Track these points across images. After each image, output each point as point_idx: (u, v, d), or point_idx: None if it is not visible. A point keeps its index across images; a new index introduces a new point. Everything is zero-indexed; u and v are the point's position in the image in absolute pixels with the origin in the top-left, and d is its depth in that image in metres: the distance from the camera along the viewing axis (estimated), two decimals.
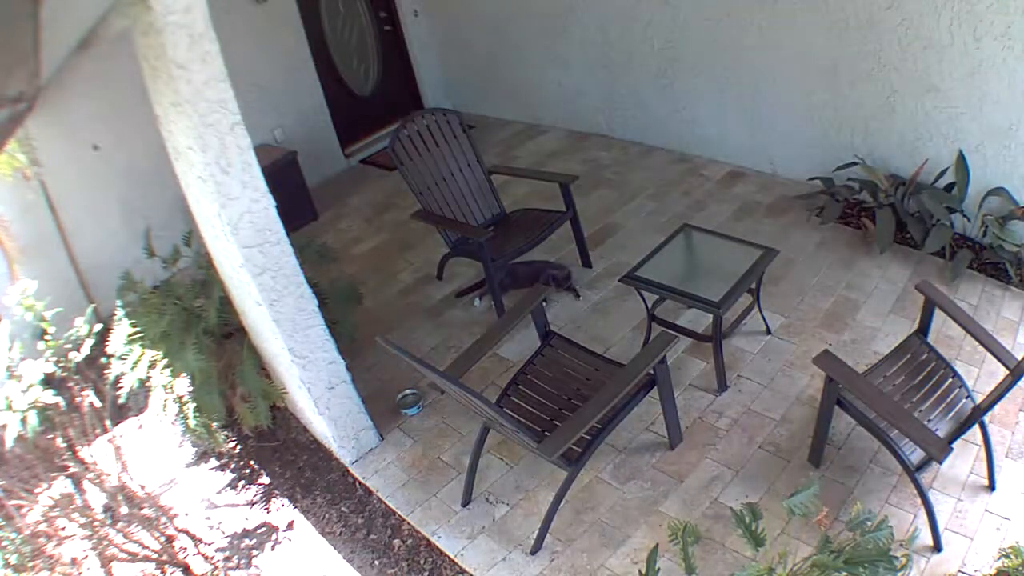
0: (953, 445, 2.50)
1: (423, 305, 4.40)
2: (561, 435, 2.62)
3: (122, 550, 2.90)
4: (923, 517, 2.64)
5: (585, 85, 5.79)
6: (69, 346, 3.06)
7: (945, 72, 3.86)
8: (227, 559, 3.18)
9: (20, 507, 2.79)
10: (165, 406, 3.32)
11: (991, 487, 2.82)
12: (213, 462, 3.69)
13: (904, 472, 2.62)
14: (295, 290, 3.02)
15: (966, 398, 2.76)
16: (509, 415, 2.84)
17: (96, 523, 2.84)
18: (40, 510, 2.80)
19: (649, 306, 3.61)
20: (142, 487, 3.26)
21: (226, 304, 3.37)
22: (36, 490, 2.91)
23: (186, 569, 3.05)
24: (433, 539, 3.03)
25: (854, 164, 4.34)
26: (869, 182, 4.27)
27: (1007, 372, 2.52)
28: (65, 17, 2.70)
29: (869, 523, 1.97)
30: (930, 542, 2.64)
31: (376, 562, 3.04)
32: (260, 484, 3.54)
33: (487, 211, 4.36)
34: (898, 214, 4.10)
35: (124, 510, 2.98)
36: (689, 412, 3.35)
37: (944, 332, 3.42)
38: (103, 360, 3.39)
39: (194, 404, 3.26)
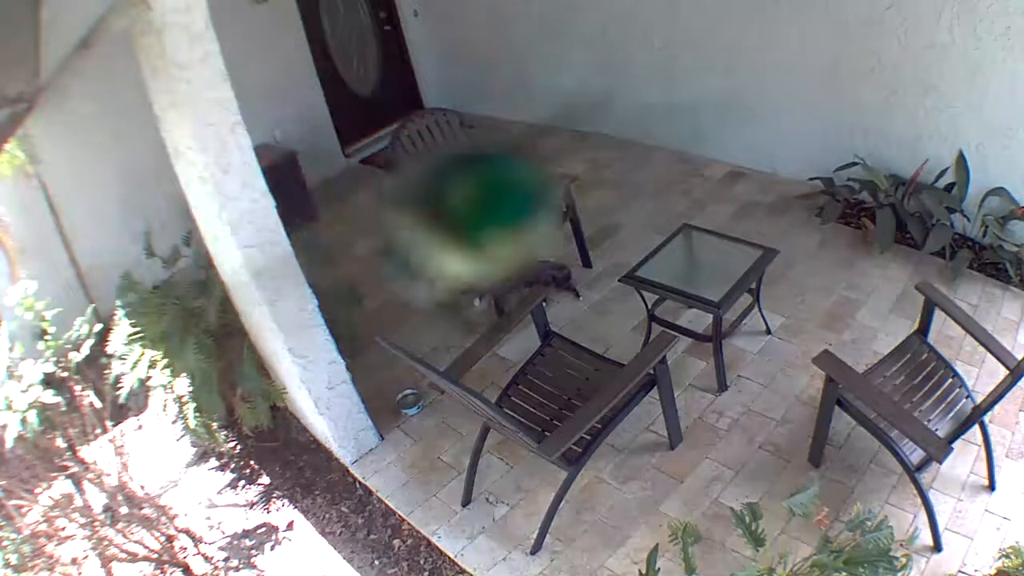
0: (953, 445, 2.50)
1: (423, 305, 4.40)
2: (561, 435, 2.62)
3: (122, 550, 2.91)
4: (923, 517, 2.64)
5: (585, 85, 5.79)
6: (69, 346, 3.06)
7: (945, 72, 3.86)
8: (227, 559, 3.18)
9: (20, 507, 2.79)
10: (165, 406, 3.32)
11: (991, 487, 2.82)
12: (213, 462, 3.69)
13: (904, 472, 2.62)
14: (295, 290, 3.02)
15: (966, 398, 2.76)
16: (509, 415, 2.84)
17: (96, 523, 2.84)
18: (40, 510, 2.80)
19: (649, 306, 3.61)
20: (142, 487, 3.26)
21: (226, 304, 3.37)
22: (36, 490, 2.91)
23: (186, 569, 3.05)
24: (433, 539, 3.03)
25: (854, 164, 4.33)
26: (869, 182, 4.27)
27: (1007, 372, 2.52)
28: (65, 17, 2.70)
29: (869, 523, 1.97)
30: (930, 542, 2.64)
31: (376, 562, 3.04)
32: (260, 484, 3.54)
33: None
34: (898, 214, 4.10)
35: (124, 510, 2.98)
36: (689, 412, 3.35)
37: (944, 332, 3.41)
38: (103, 360, 3.39)
39: (194, 404, 3.26)
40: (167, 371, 3.28)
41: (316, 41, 5.83)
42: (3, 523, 2.69)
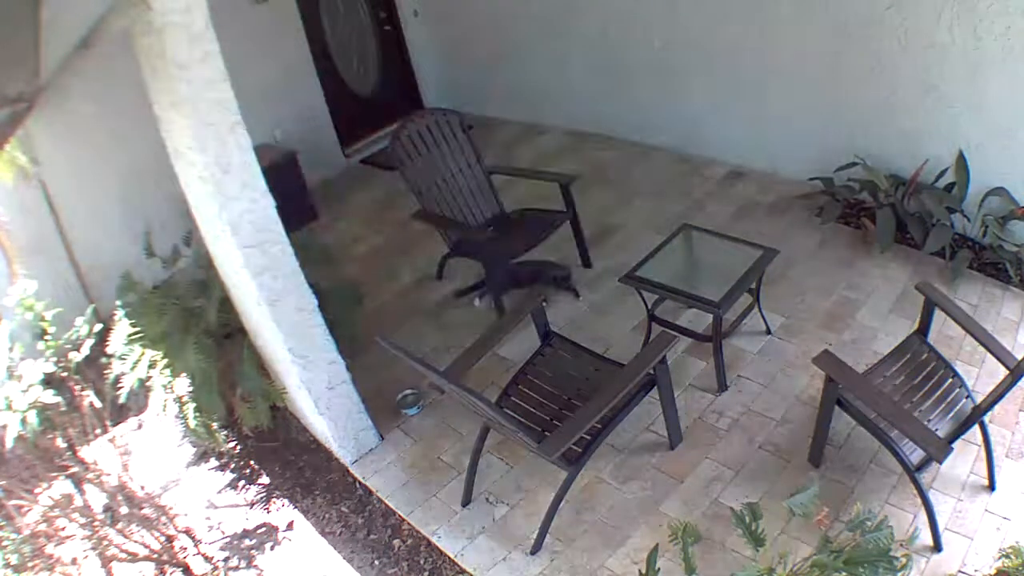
0: (953, 445, 2.50)
1: (423, 305, 4.40)
2: (561, 435, 2.62)
3: (122, 550, 2.90)
4: (923, 517, 2.64)
5: (585, 85, 5.79)
6: (69, 346, 3.06)
7: (945, 72, 3.86)
8: (227, 559, 3.18)
9: (20, 507, 2.79)
10: (165, 406, 3.32)
11: (991, 487, 2.82)
12: (213, 462, 3.69)
13: (904, 472, 2.62)
14: (295, 290, 3.02)
15: (966, 398, 2.76)
16: (509, 415, 2.84)
17: (96, 523, 2.84)
18: (40, 510, 2.80)
19: (649, 306, 3.61)
20: (142, 487, 3.26)
21: (226, 304, 3.37)
22: (36, 490, 2.91)
23: (186, 569, 3.05)
24: (433, 539, 3.03)
25: (854, 164, 4.33)
26: (869, 182, 4.27)
27: (1007, 372, 2.52)
28: (65, 17, 2.70)
29: (869, 523, 1.97)
30: (930, 542, 2.64)
31: (376, 562, 3.04)
32: (260, 484, 3.54)
33: (487, 211, 4.36)
34: (898, 214, 4.10)
35: (124, 510, 2.98)
36: (689, 412, 3.35)
37: (944, 332, 3.41)
38: (103, 360, 3.39)
39: (194, 404, 3.26)
40: (167, 371, 3.29)
41: (316, 41, 5.83)
42: (3, 523, 2.69)
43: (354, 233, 5.31)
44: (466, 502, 3.12)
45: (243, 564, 3.16)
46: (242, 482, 3.57)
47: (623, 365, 2.96)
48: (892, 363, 2.90)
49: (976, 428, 2.72)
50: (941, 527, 2.64)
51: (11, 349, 2.99)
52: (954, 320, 2.79)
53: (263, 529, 3.31)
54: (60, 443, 2.94)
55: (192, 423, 3.29)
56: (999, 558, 2.46)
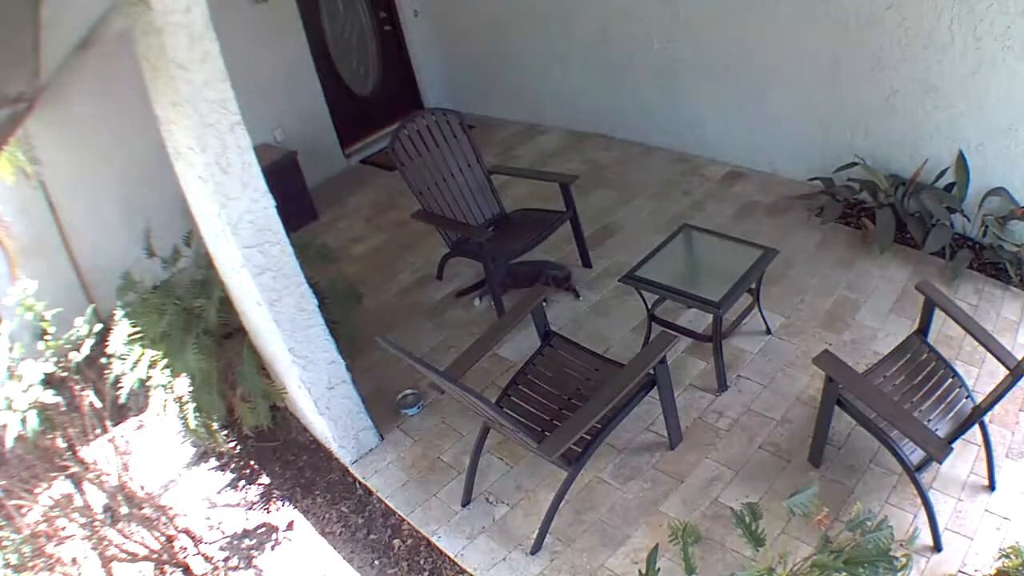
0: (953, 445, 2.50)
1: (423, 305, 4.40)
2: (561, 435, 2.62)
3: (122, 550, 2.90)
4: (923, 517, 2.64)
5: (585, 85, 5.79)
6: (69, 346, 3.06)
7: (945, 72, 3.86)
8: (227, 559, 3.18)
9: (20, 507, 2.78)
10: (165, 406, 3.32)
11: (991, 487, 2.82)
12: (213, 462, 3.69)
13: (904, 472, 2.62)
14: (295, 290, 3.02)
15: (966, 398, 2.76)
16: (509, 415, 2.84)
17: (96, 523, 2.84)
18: (40, 510, 2.80)
19: (649, 306, 3.61)
20: (142, 487, 3.26)
21: (226, 304, 3.37)
22: (36, 490, 2.91)
23: (186, 569, 3.05)
24: (433, 539, 3.03)
25: (854, 164, 4.33)
26: (869, 182, 4.27)
27: (1007, 372, 2.52)
28: (65, 17, 2.71)
29: (869, 523, 1.97)
30: (930, 542, 2.64)
31: (376, 562, 3.04)
32: (260, 484, 3.54)
33: (487, 211, 4.36)
34: (898, 214, 4.10)
35: (124, 510, 2.98)
36: (689, 412, 3.35)
37: (944, 332, 3.41)
38: (103, 360, 3.39)
39: (194, 404, 3.26)
40: (167, 371, 3.29)
41: (316, 41, 5.82)
42: (3, 523, 2.69)
43: (354, 233, 5.31)
44: (466, 502, 3.12)
45: (243, 564, 3.15)
46: (242, 482, 3.57)
47: (623, 365, 2.96)
48: (892, 363, 2.90)
49: (976, 428, 2.72)
50: (941, 527, 2.64)
51: (11, 349, 2.98)
52: (954, 320, 2.79)
53: (263, 529, 3.31)
54: (60, 443, 2.94)
55: (192, 423, 3.29)
56: (999, 558, 2.46)
